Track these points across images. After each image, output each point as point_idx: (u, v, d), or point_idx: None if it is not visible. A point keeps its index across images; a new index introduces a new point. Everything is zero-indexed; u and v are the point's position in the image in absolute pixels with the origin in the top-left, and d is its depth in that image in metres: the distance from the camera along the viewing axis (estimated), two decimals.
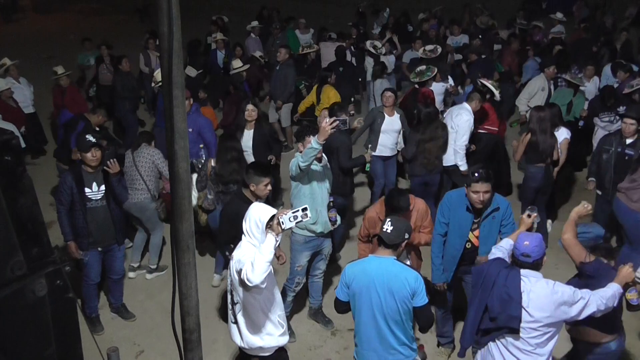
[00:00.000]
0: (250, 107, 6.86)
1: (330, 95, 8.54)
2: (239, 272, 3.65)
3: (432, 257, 4.93)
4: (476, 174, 4.47)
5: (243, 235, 3.83)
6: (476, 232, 4.71)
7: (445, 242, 4.87)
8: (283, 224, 3.68)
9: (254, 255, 3.59)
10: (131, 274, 6.56)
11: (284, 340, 4.06)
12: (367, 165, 6.70)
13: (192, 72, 9.73)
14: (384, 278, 3.71)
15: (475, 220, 4.67)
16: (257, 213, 3.75)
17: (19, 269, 1.75)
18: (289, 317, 5.56)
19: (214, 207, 6.11)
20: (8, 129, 1.80)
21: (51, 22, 23.32)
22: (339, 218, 5.49)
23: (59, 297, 1.91)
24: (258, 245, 3.71)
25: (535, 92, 8.73)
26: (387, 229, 3.77)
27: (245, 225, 3.80)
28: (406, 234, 3.82)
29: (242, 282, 3.66)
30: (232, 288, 3.92)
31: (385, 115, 7.38)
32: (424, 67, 8.52)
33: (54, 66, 9.52)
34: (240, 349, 4.12)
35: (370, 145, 7.04)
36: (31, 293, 1.80)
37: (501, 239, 4.64)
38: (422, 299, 3.72)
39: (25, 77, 9.82)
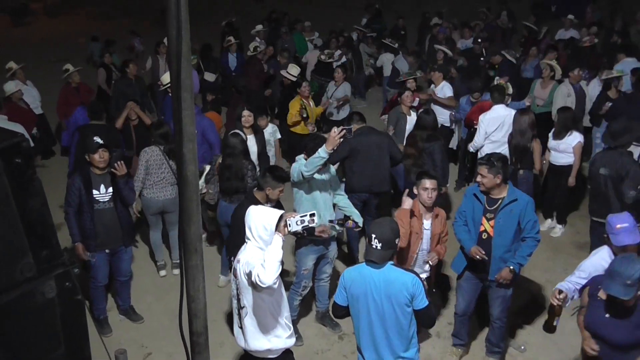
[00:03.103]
0: (246, 112, 6.79)
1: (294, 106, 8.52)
2: (249, 275, 3.64)
3: (459, 238, 4.92)
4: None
5: (247, 240, 3.81)
6: (492, 222, 4.73)
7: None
8: (290, 226, 3.71)
9: (264, 256, 3.59)
10: (162, 272, 6.63)
11: (291, 342, 4.06)
12: None
13: (210, 77, 9.77)
14: (381, 284, 3.66)
15: (490, 209, 4.73)
16: (263, 218, 3.73)
17: (28, 270, 1.76)
18: (296, 321, 5.55)
19: (214, 201, 6.21)
20: (19, 132, 1.81)
21: (61, 25, 23.50)
22: (360, 220, 5.41)
23: (68, 299, 1.91)
24: (265, 248, 3.72)
25: (559, 100, 8.68)
26: (375, 246, 3.66)
27: (250, 231, 3.77)
28: (396, 239, 3.74)
29: (252, 284, 3.65)
30: (238, 292, 3.90)
31: (407, 115, 7.65)
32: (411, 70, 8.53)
33: (62, 69, 9.61)
34: (246, 352, 4.11)
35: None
36: (40, 295, 1.81)
37: (523, 239, 4.70)
38: (422, 302, 3.68)
39: (35, 80, 9.91)
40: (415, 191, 4.95)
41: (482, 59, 11.27)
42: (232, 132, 6.35)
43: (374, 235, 3.68)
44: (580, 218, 7.57)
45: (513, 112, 7.10)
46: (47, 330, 1.88)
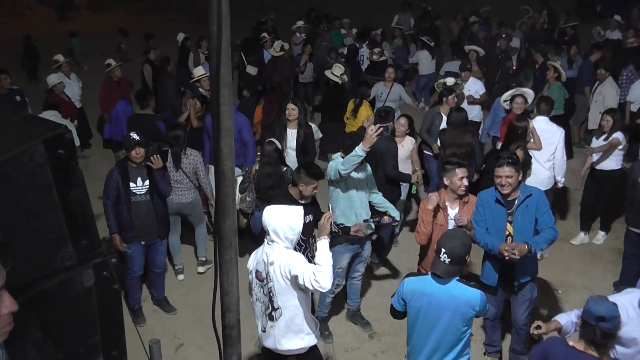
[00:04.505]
0: (290, 105, 6.81)
1: (362, 112, 8.29)
2: (294, 278, 3.65)
3: (483, 243, 4.70)
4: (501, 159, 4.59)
5: (272, 241, 3.80)
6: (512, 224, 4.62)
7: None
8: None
9: (320, 261, 3.63)
10: (180, 277, 6.61)
11: (318, 337, 4.12)
12: (414, 188, 6.59)
13: (252, 70, 9.85)
14: (445, 300, 3.59)
15: (509, 212, 4.61)
16: (287, 218, 3.75)
17: (68, 259, 1.80)
18: (327, 319, 5.56)
19: (251, 210, 6.16)
20: (62, 123, 1.85)
21: (103, 20, 23.97)
22: (396, 214, 5.30)
23: (105, 288, 1.94)
24: (291, 247, 3.76)
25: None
26: (444, 260, 3.55)
27: (275, 233, 3.76)
28: (467, 255, 3.63)
29: (298, 287, 3.70)
30: (271, 295, 3.85)
31: (443, 116, 7.44)
32: (452, 80, 8.37)
33: (105, 63, 9.83)
34: (270, 351, 4.10)
35: (416, 171, 6.86)
36: (79, 283, 1.84)
37: (538, 230, 4.52)
38: (484, 312, 3.73)
39: (75, 74, 10.18)
40: (445, 181, 4.87)
41: (500, 56, 11.23)
42: (267, 140, 6.34)
43: (443, 250, 3.57)
44: (621, 223, 7.36)
45: (555, 126, 6.70)
46: (84, 317, 1.91)
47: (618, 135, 6.64)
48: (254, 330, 5.55)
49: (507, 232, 4.66)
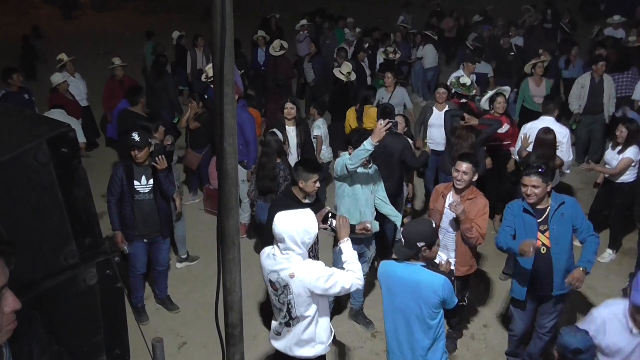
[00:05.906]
0: (288, 104, 6.81)
1: (371, 112, 8.08)
2: (322, 290, 3.57)
3: (507, 247, 4.54)
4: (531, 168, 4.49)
5: (286, 250, 3.57)
6: (547, 234, 4.44)
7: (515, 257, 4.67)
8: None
9: (351, 259, 3.70)
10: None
11: (329, 347, 4.00)
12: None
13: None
14: (409, 285, 3.63)
15: (539, 221, 4.45)
16: (302, 223, 3.53)
17: (71, 257, 1.81)
18: (329, 317, 5.54)
19: (251, 198, 6.44)
20: (66, 122, 1.85)
21: (108, 19, 24.00)
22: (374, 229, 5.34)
23: (108, 286, 1.95)
24: (305, 251, 3.60)
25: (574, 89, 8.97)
26: (401, 241, 3.73)
27: (290, 240, 3.52)
28: (419, 242, 3.59)
29: (322, 295, 3.65)
30: (289, 306, 3.70)
31: (434, 110, 7.48)
32: (468, 81, 8.33)
33: (108, 62, 9.86)
34: (285, 355, 4.06)
35: (426, 140, 7.17)
36: (82, 281, 1.85)
37: (581, 242, 4.44)
38: (452, 302, 3.66)
39: (82, 73, 10.19)
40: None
41: (511, 53, 11.21)
42: (270, 130, 6.38)
43: (401, 230, 3.78)
44: (625, 222, 7.34)
45: (559, 127, 6.55)
46: (87, 315, 1.92)
47: (630, 154, 6.36)
48: (256, 329, 5.59)
49: (540, 243, 4.44)
